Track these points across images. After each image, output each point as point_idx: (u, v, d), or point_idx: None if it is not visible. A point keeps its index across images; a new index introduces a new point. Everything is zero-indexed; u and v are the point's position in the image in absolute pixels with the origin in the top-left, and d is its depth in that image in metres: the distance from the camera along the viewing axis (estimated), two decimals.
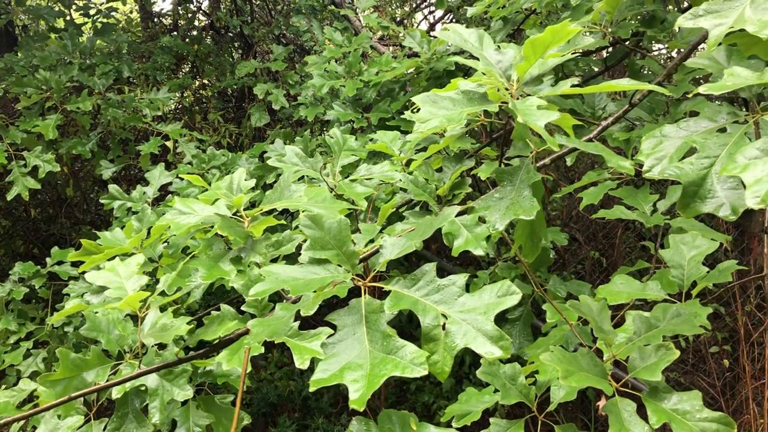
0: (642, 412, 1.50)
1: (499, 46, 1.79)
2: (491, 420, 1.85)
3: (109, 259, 2.22)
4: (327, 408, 5.32)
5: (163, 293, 1.92)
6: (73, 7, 5.51)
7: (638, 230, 5.85)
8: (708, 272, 1.95)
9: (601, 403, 2.84)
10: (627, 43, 3.03)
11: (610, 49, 3.44)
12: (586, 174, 2.57)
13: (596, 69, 3.79)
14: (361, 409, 1.14)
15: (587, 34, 2.76)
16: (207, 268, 1.62)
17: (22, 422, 1.86)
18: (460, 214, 1.66)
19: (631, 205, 2.49)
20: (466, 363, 5.22)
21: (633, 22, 2.93)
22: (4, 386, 4.12)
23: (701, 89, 1.30)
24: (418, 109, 1.61)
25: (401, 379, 5.49)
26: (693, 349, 5.40)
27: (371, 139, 3.38)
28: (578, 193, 2.58)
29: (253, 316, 2.01)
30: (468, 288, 1.36)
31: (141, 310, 1.74)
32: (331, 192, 2.51)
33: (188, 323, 1.71)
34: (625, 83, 1.52)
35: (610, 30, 2.66)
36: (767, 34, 1.30)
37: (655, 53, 5.60)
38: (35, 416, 1.88)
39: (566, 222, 5.71)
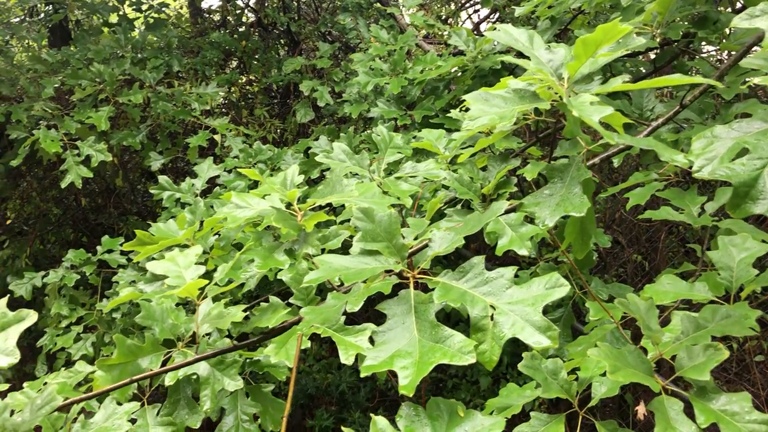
0: (688, 413, 1.51)
1: (549, 46, 1.81)
2: (532, 413, 1.87)
3: (163, 250, 2.30)
4: (364, 402, 5.38)
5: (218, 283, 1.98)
6: (126, 2, 5.66)
7: (682, 234, 5.77)
8: (757, 275, 1.94)
9: (640, 408, 2.82)
10: (677, 44, 3.00)
11: (657, 50, 3.41)
12: (633, 175, 2.56)
13: (644, 70, 3.76)
14: (411, 395, 1.18)
15: (637, 34, 2.74)
16: (262, 258, 1.68)
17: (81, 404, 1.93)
18: (508, 210, 1.69)
19: (679, 206, 2.48)
20: (504, 363, 5.23)
21: (683, 23, 2.90)
22: (51, 368, 4.27)
23: (757, 80, 1.30)
24: (467, 109, 1.64)
25: (440, 376, 5.51)
26: (737, 357, 5.31)
27: (414, 137, 3.41)
28: (624, 194, 2.58)
29: (299, 308, 2.06)
30: None
31: (199, 299, 1.80)
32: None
33: (244, 310, 1.77)
34: (677, 77, 1.52)
35: (659, 31, 2.64)
36: None
37: (704, 55, 5.51)
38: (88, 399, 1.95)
39: (609, 224, 5.66)
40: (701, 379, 1.46)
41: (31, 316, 1.43)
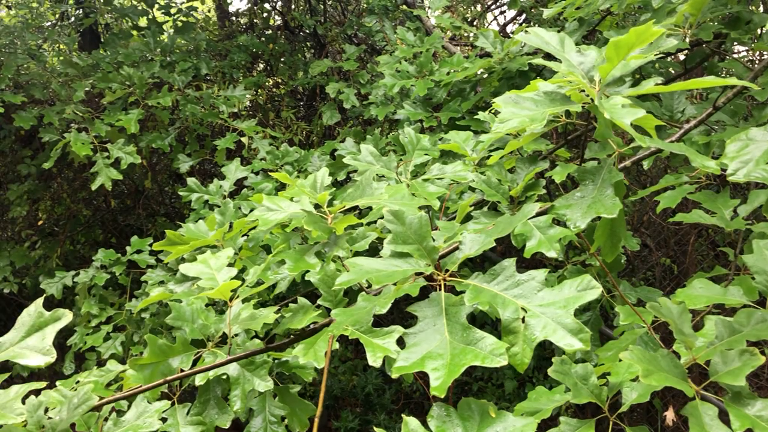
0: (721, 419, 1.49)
1: (579, 49, 1.80)
2: (561, 419, 1.86)
3: (194, 251, 2.33)
4: (389, 404, 5.38)
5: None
6: (155, 6, 5.73)
7: (711, 238, 5.69)
8: None
9: (669, 413, 2.79)
10: (708, 45, 2.96)
11: (687, 51, 3.37)
12: (663, 177, 2.53)
13: (673, 71, 3.72)
14: (442, 396, 1.18)
15: (668, 35, 2.71)
16: (293, 260, 1.69)
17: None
18: (539, 213, 1.68)
19: (710, 209, 2.44)
20: (530, 366, 5.19)
21: (714, 23, 2.86)
22: (86, 368, 4.34)
23: None
24: (497, 112, 1.63)
25: (465, 379, 5.50)
26: None
27: (441, 139, 3.41)
28: (654, 197, 2.55)
29: (327, 310, 2.07)
30: None
31: (231, 300, 1.82)
32: None
33: (275, 312, 1.79)
34: (710, 80, 1.50)
35: (691, 32, 2.61)
36: None
37: (735, 56, 5.44)
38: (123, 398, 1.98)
39: (637, 227, 5.60)
40: (736, 384, 1.44)
41: (66, 316, 1.46)
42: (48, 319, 1.47)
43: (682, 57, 3.67)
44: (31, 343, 1.45)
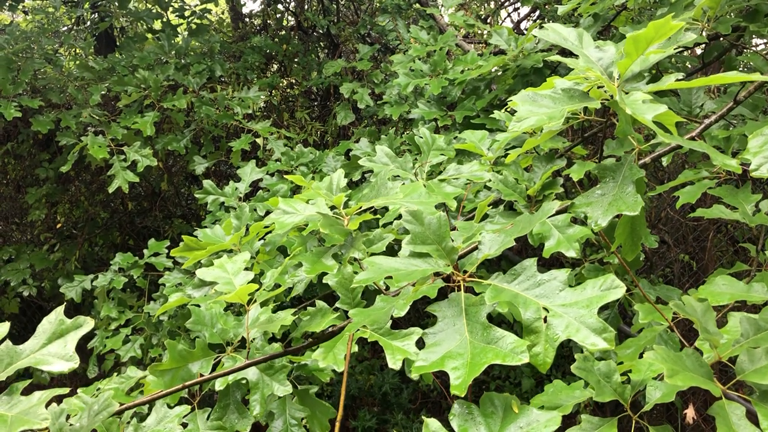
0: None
1: (597, 44, 1.78)
2: (582, 416, 1.84)
3: (211, 255, 2.33)
4: (406, 404, 5.37)
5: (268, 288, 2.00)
6: (170, 9, 5.75)
7: (731, 233, 5.63)
8: None
9: (689, 411, 2.76)
10: (725, 38, 2.92)
11: (703, 45, 3.33)
12: (683, 173, 2.50)
13: (690, 66, 3.68)
14: (462, 394, 1.18)
15: (686, 30, 2.68)
16: (310, 263, 1.68)
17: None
18: (558, 212, 1.66)
19: (731, 204, 2.41)
20: None
21: (732, 16, 2.83)
22: (106, 371, 4.36)
23: None
24: (513, 111, 1.62)
25: (482, 378, 5.47)
26: None
27: (455, 137, 3.39)
28: (673, 192, 2.52)
29: (345, 313, 2.06)
30: None
31: (248, 304, 1.82)
32: None
33: (292, 314, 1.78)
34: (733, 75, 1.48)
35: (709, 25, 2.58)
36: None
37: (753, 49, 5.36)
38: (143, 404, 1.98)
39: (655, 224, 5.55)
40: (764, 383, 1.42)
41: (88, 323, 1.46)
42: (69, 326, 1.48)
43: (699, 51, 3.63)
44: (53, 350, 1.46)
